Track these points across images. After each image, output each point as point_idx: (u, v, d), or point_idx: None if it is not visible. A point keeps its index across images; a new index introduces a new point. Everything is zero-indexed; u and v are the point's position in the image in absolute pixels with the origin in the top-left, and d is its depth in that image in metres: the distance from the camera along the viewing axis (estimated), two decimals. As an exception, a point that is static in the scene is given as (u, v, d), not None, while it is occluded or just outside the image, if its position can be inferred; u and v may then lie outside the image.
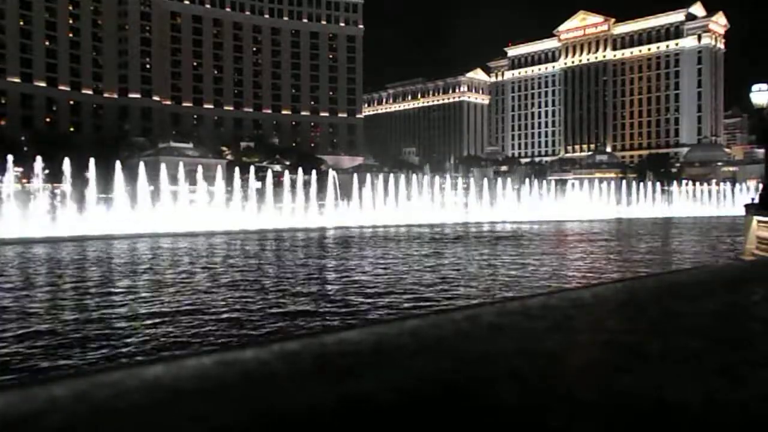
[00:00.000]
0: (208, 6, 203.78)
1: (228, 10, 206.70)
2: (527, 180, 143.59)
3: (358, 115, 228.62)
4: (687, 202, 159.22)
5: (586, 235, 63.29)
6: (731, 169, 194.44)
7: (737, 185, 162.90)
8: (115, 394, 0.82)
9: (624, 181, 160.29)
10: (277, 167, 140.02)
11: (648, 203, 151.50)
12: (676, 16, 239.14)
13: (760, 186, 37.40)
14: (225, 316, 19.40)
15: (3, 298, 22.83)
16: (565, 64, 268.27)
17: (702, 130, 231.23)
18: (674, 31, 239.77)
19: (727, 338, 1.20)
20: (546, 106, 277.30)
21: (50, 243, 49.89)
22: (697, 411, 0.82)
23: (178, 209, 78.65)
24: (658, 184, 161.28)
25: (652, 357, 1.07)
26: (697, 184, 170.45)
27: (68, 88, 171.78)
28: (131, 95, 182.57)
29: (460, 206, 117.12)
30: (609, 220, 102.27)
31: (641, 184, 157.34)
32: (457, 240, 56.38)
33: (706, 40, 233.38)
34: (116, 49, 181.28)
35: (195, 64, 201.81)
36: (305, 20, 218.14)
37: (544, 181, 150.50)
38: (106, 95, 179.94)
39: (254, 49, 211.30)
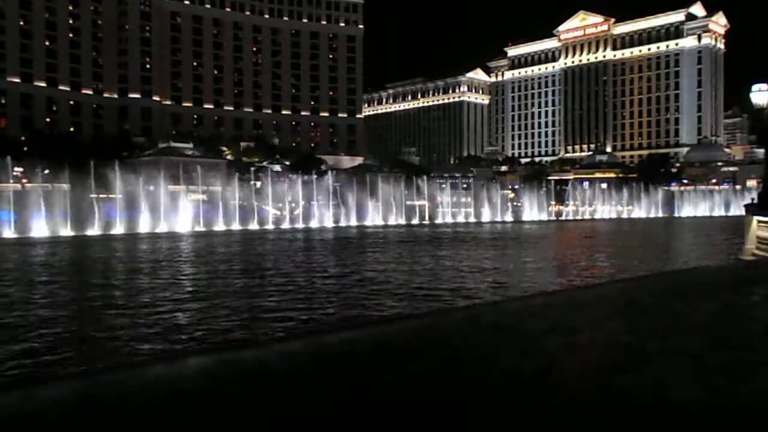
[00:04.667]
0: (208, 6, 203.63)
1: (228, 10, 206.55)
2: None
3: (358, 115, 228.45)
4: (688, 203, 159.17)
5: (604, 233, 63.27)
6: (731, 169, 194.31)
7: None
8: (115, 394, 0.83)
9: (624, 181, 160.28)
10: (277, 167, 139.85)
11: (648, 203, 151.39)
12: (676, 16, 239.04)
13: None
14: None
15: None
16: (565, 64, 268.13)
17: (702, 130, 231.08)
18: (674, 31, 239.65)
19: (727, 338, 1.22)
20: (546, 106, 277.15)
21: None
22: (698, 411, 0.82)
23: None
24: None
25: (652, 357, 1.07)
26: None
27: (68, 88, 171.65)
28: (131, 95, 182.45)
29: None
30: (611, 220, 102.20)
31: (641, 184, 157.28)
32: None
33: (706, 40, 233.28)
34: (116, 49, 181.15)
35: (195, 64, 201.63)
36: (305, 20, 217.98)
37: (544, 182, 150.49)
38: (106, 95, 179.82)
39: (254, 49, 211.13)
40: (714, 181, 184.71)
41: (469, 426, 0.76)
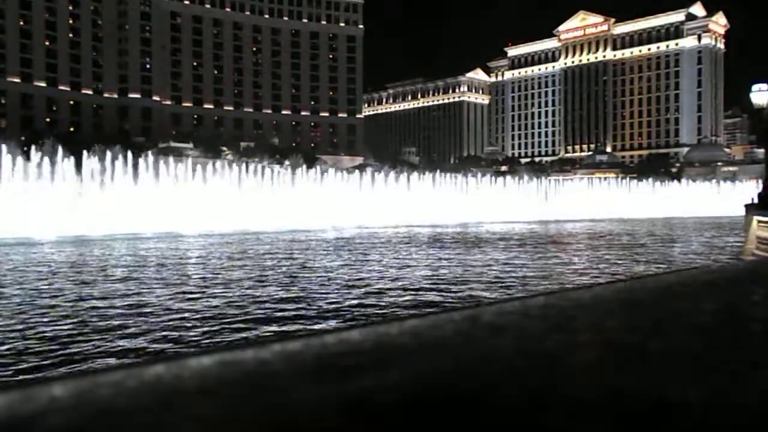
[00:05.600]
0: (208, 6, 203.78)
1: (228, 10, 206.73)
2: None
3: (358, 115, 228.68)
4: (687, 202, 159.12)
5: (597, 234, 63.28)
6: (731, 169, 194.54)
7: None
8: (115, 394, 0.83)
9: (624, 181, 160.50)
10: (278, 167, 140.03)
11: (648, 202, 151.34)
12: (676, 16, 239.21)
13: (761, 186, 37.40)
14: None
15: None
16: (565, 64, 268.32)
17: (702, 130, 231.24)
18: (674, 31, 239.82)
19: (727, 338, 1.23)
20: (546, 106, 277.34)
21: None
22: (698, 411, 0.82)
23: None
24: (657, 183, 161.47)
25: (652, 357, 1.07)
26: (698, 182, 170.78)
27: (68, 88, 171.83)
28: (131, 95, 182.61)
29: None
30: (610, 220, 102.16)
31: (641, 183, 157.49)
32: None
33: (706, 40, 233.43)
34: (116, 49, 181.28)
35: (195, 64, 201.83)
36: (305, 20, 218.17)
37: (544, 180, 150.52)
38: (106, 95, 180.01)
39: (254, 49, 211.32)
40: (714, 181, 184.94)
41: (469, 426, 0.76)
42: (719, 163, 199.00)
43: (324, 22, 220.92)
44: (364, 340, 1.12)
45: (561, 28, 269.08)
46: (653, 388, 0.89)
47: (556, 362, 1.05)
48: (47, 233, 56.13)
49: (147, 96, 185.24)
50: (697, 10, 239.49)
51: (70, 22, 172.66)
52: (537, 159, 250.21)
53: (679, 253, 43.34)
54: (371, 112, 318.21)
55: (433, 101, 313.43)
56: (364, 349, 1.07)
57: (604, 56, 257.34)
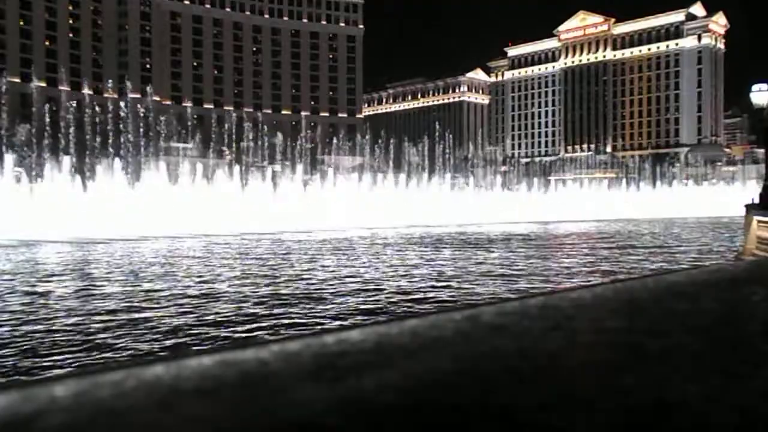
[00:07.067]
0: (208, 6, 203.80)
1: (228, 10, 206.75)
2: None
3: (358, 115, 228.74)
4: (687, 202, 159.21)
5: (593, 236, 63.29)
6: (731, 169, 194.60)
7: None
8: (115, 394, 0.83)
9: (624, 181, 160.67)
10: (277, 167, 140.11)
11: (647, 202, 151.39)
12: (676, 16, 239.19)
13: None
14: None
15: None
16: (565, 64, 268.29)
17: (702, 130, 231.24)
18: (674, 31, 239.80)
19: (727, 338, 1.23)
20: (546, 106, 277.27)
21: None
22: (698, 411, 0.82)
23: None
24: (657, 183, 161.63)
25: (652, 357, 1.07)
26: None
27: (68, 88, 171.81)
28: (131, 95, 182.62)
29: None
30: (608, 221, 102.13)
31: (641, 183, 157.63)
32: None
33: (706, 40, 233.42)
34: (116, 49, 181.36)
35: (195, 64, 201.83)
36: (305, 20, 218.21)
37: (544, 180, 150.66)
38: (106, 95, 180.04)
39: (254, 49, 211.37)
40: (714, 181, 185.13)
41: (469, 427, 0.76)
42: (719, 163, 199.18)
43: (324, 22, 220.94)
44: (364, 340, 1.12)
45: (561, 28, 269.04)
46: (653, 388, 0.89)
47: (556, 362, 1.04)
48: (49, 235, 56.07)
49: (147, 96, 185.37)
50: (697, 10, 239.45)
51: (70, 22, 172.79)
52: (537, 159, 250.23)
53: (679, 252, 43.36)
54: (371, 112, 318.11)
55: (433, 101, 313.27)
56: (364, 349, 1.06)
57: (604, 56, 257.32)
